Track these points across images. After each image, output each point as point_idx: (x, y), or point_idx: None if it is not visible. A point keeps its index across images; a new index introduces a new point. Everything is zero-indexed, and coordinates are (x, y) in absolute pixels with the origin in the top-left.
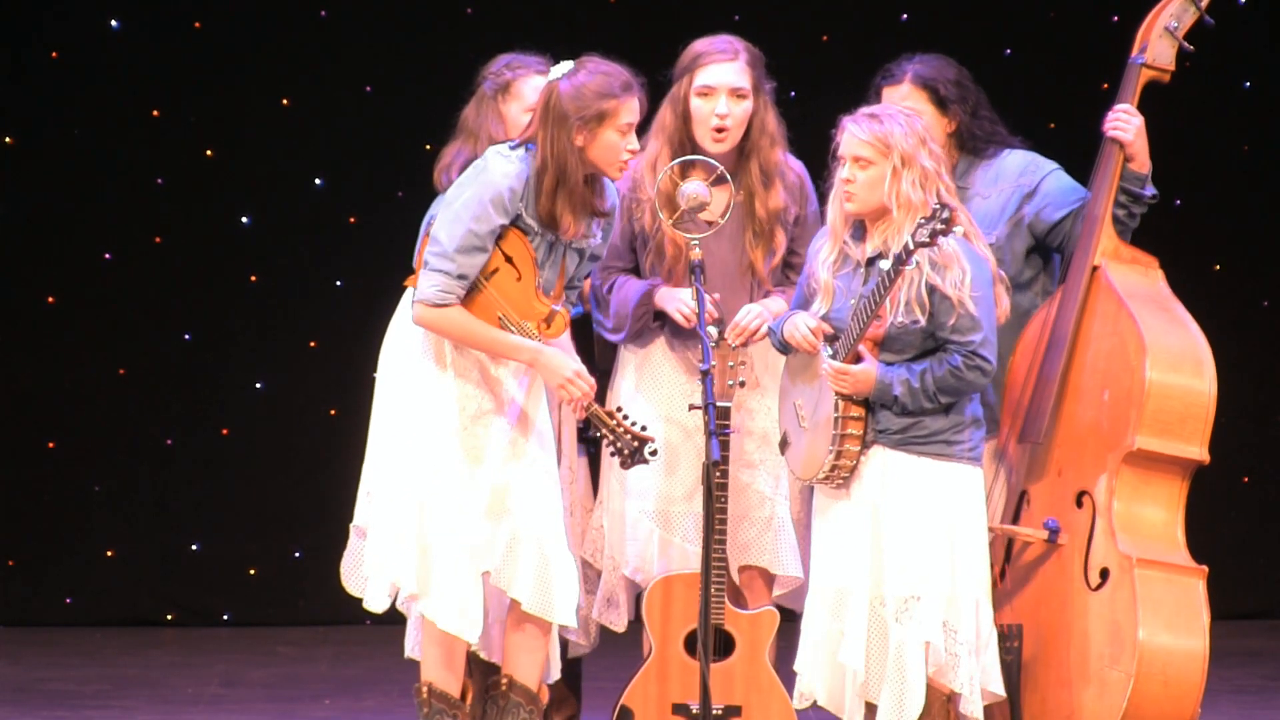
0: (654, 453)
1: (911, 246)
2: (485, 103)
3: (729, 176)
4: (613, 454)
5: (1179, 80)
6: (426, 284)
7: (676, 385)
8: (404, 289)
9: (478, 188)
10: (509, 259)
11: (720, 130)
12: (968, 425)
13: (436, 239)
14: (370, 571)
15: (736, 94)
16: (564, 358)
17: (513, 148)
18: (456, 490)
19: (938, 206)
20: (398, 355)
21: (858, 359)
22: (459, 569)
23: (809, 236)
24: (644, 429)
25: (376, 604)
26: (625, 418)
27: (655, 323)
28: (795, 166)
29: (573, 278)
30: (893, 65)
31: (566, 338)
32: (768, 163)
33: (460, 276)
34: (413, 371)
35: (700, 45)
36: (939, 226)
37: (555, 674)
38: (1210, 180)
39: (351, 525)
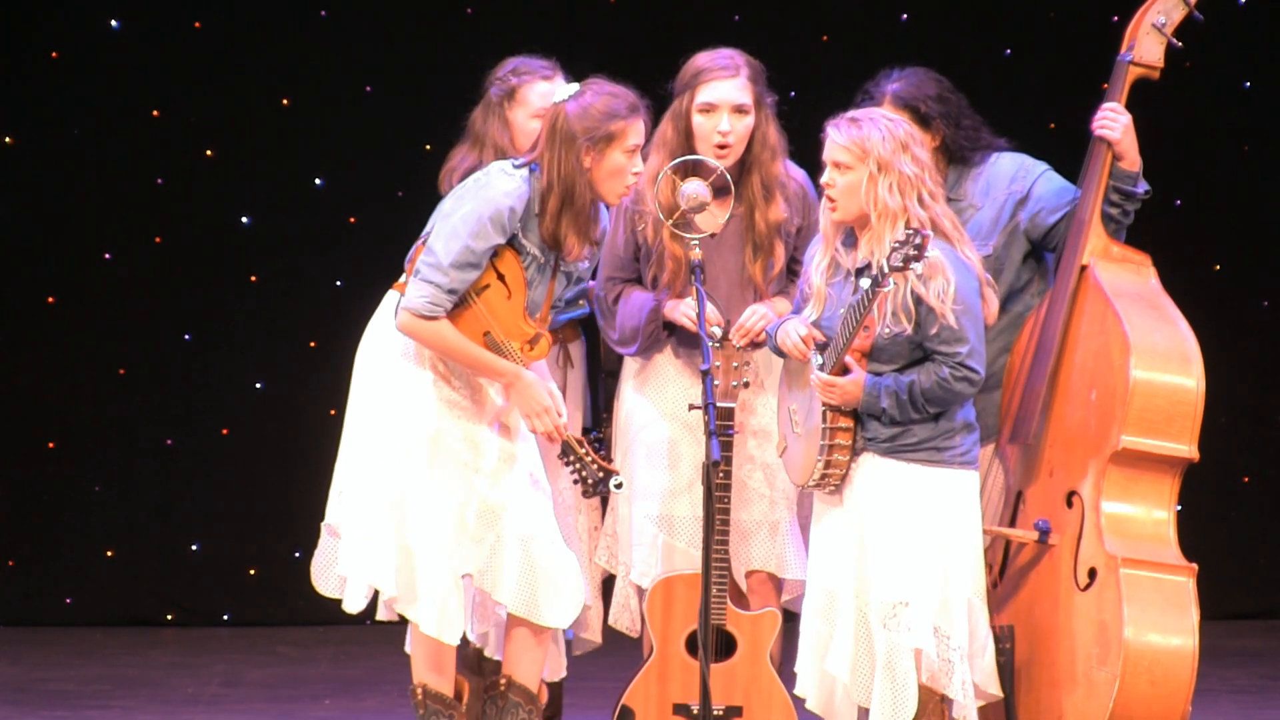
0: (619, 485)
1: (887, 270)
2: (491, 109)
3: (729, 179)
4: (575, 481)
5: (1179, 80)
6: (416, 293)
7: (681, 387)
8: (390, 290)
9: (477, 204)
10: (501, 277)
11: (723, 147)
12: (959, 431)
13: (432, 250)
14: (347, 571)
15: (738, 110)
16: (540, 387)
17: (517, 166)
18: (436, 491)
19: (910, 231)
20: (376, 355)
21: (845, 370)
22: (438, 571)
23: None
24: (610, 460)
25: (354, 604)
26: (596, 448)
27: (664, 332)
28: (797, 176)
29: (559, 299)
30: (871, 86)
31: (543, 361)
32: (769, 176)
33: (451, 291)
34: (392, 372)
35: (702, 61)
36: (911, 252)
37: (561, 672)
38: (1210, 180)
39: (323, 524)
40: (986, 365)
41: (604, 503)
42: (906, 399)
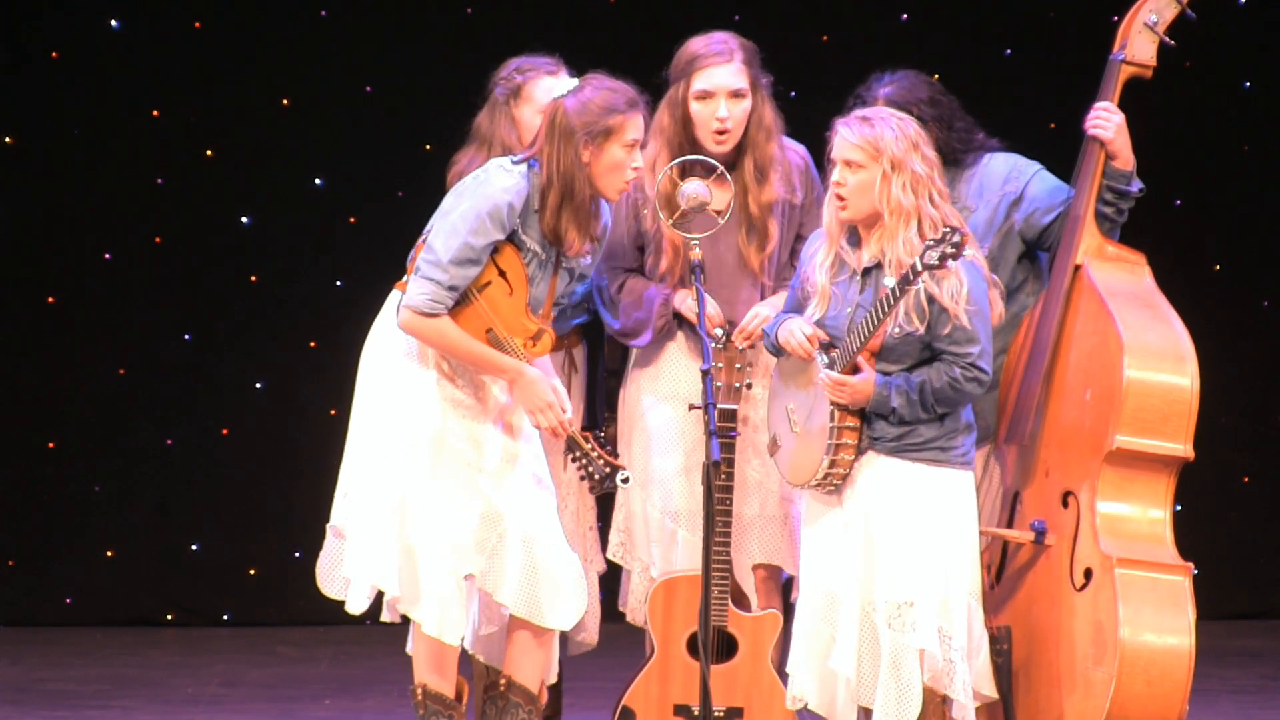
0: (625, 480)
1: (919, 268)
2: (498, 109)
3: (729, 176)
4: (583, 478)
5: (1179, 80)
6: (416, 291)
7: (687, 377)
8: (393, 289)
9: (476, 200)
10: (502, 273)
11: (721, 133)
12: (961, 431)
13: (432, 247)
14: (350, 573)
15: (736, 95)
16: (543, 383)
17: (515, 162)
18: (438, 491)
19: (948, 230)
20: (380, 356)
21: (855, 370)
22: (440, 571)
23: (817, 219)
24: (616, 455)
25: (357, 606)
26: (601, 443)
27: (674, 323)
28: (798, 150)
29: (561, 296)
30: (862, 89)
31: (547, 358)
32: (763, 157)
33: (451, 288)
34: (396, 372)
35: (696, 46)
36: (949, 250)
37: (550, 676)
38: (1210, 180)
39: (328, 526)
40: None
41: (599, 503)
42: (917, 399)
